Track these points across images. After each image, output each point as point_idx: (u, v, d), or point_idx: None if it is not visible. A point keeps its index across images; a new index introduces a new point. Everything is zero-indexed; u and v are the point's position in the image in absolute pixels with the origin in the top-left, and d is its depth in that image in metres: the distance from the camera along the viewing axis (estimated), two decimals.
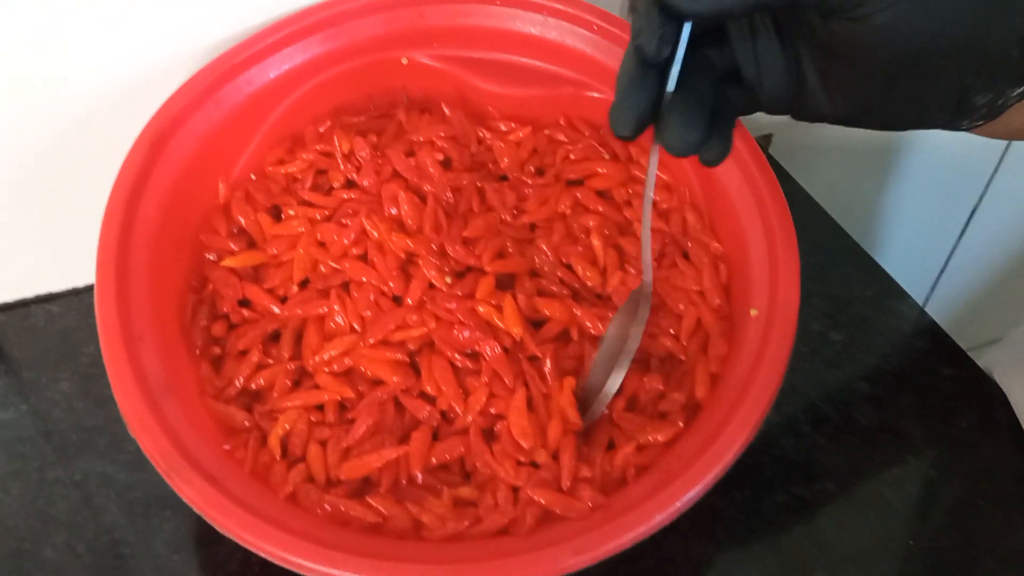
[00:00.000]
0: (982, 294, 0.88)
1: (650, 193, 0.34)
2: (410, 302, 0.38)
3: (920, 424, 0.45)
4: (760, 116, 0.61)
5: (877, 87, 0.29)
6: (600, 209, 0.43)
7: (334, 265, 0.39)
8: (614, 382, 0.35)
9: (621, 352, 0.36)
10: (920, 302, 0.85)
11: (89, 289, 0.48)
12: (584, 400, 0.37)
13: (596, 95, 0.44)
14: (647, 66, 0.29)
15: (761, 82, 0.31)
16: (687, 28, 0.28)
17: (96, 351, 0.45)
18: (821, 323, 0.49)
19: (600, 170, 0.44)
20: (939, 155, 0.73)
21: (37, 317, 0.48)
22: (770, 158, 0.61)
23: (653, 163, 0.33)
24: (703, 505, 0.41)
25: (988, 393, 0.46)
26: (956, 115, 0.31)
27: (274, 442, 0.36)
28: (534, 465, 0.35)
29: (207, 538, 0.39)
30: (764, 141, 0.61)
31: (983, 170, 0.76)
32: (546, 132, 0.45)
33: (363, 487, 0.35)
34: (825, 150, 0.65)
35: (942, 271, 0.86)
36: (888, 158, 0.72)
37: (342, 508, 0.34)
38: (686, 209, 0.42)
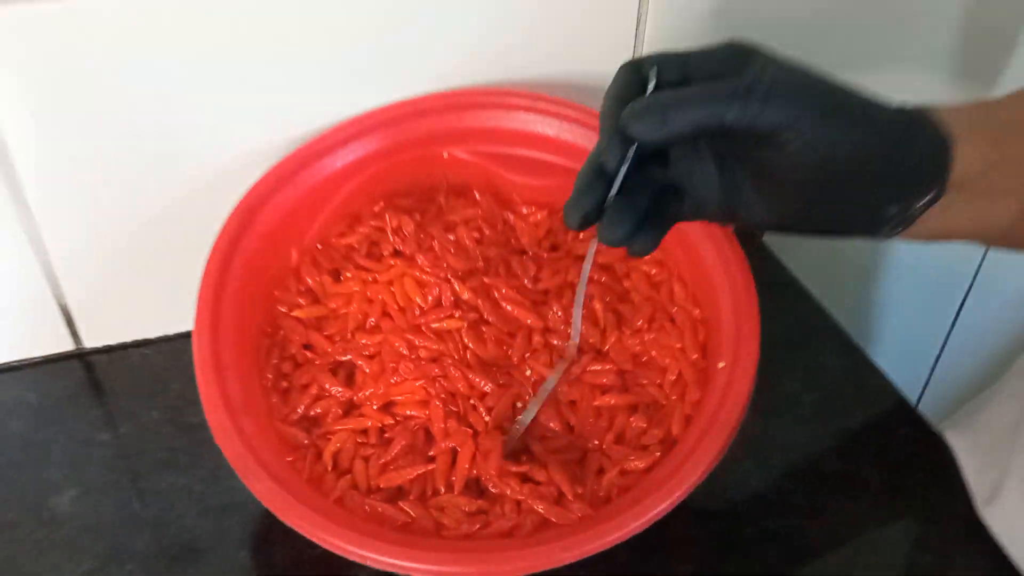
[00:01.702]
0: (976, 388, 0.93)
1: (586, 272, 0.44)
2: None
3: (877, 474, 0.52)
4: None
5: (801, 201, 0.37)
6: (603, 279, 0.52)
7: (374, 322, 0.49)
8: (528, 414, 0.46)
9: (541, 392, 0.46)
10: (914, 397, 0.91)
11: (179, 336, 0.58)
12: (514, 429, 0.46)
13: None
14: (601, 175, 0.37)
15: (701, 196, 0.39)
16: (633, 149, 0.36)
17: (181, 387, 0.55)
18: (796, 386, 0.57)
19: (603, 247, 0.53)
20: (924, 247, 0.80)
21: (134, 358, 0.57)
22: (763, 245, 0.69)
23: (591, 250, 0.42)
24: (684, 534, 0.49)
25: (939, 450, 0.53)
26: (872, 224, 0.38)
27: (327, 457, 0.44)
28: (536, 482, 0.43)
29: (268, 540, 0.47)
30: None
31: (969, 262, 0.83)
32: (560, 216, 0.54)
33: (397, 494, 0.43)
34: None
35: (935, 365, 0.92)
36: (875, 249, 0.80)
37: (379, 510, 0.42)
38: (674, 281, 0.51)
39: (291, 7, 0.49)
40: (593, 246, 0.42)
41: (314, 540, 0.39)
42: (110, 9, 0.45)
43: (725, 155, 0.38)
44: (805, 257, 0.71)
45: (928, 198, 0.37)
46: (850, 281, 0.82)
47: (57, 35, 0.46)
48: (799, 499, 0.50)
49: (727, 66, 0.36)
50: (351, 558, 0.39)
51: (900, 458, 0.53)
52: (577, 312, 0.47)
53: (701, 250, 0.50)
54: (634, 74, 0.37)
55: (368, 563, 0.39)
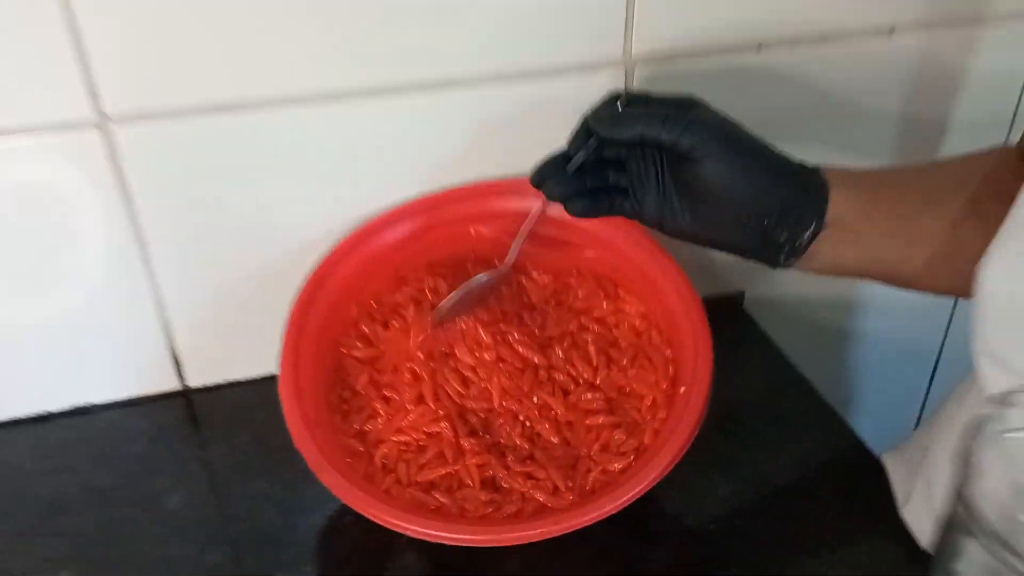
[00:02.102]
0: None
1: (530, 219, 0.61)
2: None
3: (825, 486, 0.63)
4: (734, 275, 0.82)
5: (713, 218, 0.52)
6: (596, 329, 0.65)
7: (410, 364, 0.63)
8: (447, 301, 0.62)
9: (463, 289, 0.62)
10: None
11: (263, 378, 0.72)
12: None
13: (593, 255, 0.67)
14: (565, 157, 0.55)
15: (641, 200, 0.54)
16: (593, 141, 0.54)
17: (265, 417, 0.69)
18: (762, 422, 0.69)
19: (598, 304, 0.66)
20: (894, 316, 0.91)
21: (227, 396, 0.72)
22: (744, 310, 0.82)
23: (537, 205, 0.59)
24: (660, 528, 0.61)
25: (877, 470, 0.64)
26: (769, 247, 0.52)
27: (377, 460, 0.58)
28: (537, 479, 0.56)
29: (332, 531, 0.60)
30: (738, 296, 0.83)
31: (938, 321, 0.94)
32: (563, 279, 0.68)
33: (429, 487, 0.56)
34: (788, 306, 0.86)
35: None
36: (846, 317, 0.91)
37: (417, 498, 0.55)
38: (652, 329, 0.64)
39: (354, 132, 0.64)
40: (538, 201, 0.59)
41: (369, 517, 0.53)
42: (228, 129, 0.62)
43: (664, 172, 0.54)
44: (776, 315, 0.83)
45: (811, 230, 0.51)
46: (827, 354, 0.93)
47: (190, 145, 0.62)
48: (759, 504, 0.62)
49: (678, 107, 0.52)
50: (397, 530, 0.52)
51: (845, 475, 0.64)
52: (516, 243, 0.63)
53: (672, 305, 0.63)
54: (612, 99, 0.55)
55: (409, 533, 0.52)
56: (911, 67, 0.74)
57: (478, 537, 0.51)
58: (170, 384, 0.72)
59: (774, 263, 0.54)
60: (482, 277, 0.63)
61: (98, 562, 0.59)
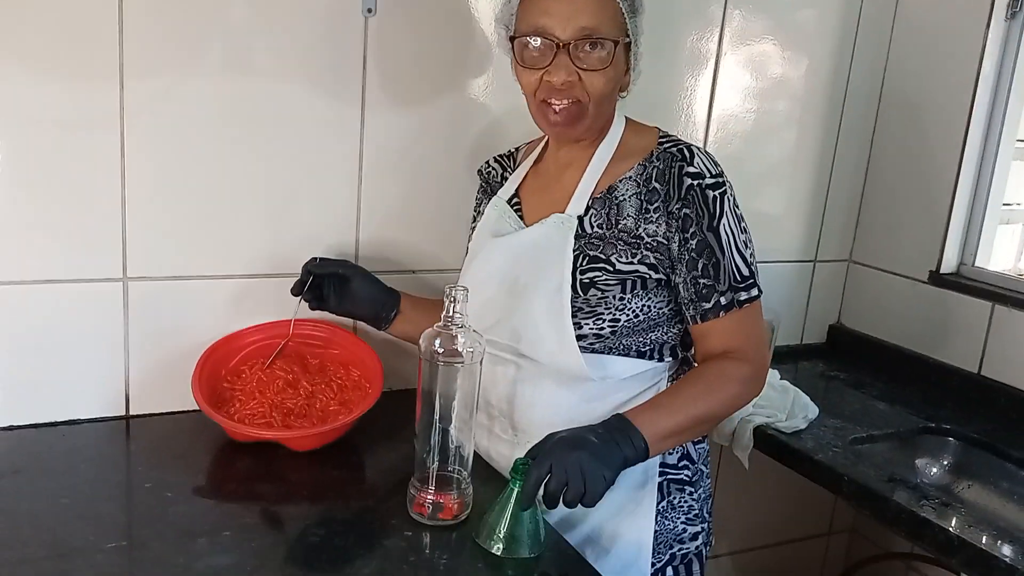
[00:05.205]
0: None
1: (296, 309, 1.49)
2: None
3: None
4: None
5: (355, 303, 1.44)
6: (338, 373, 1.47)
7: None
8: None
9: None
10: None
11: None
12: None
13: (338, 350, 1.52)
14: (301, 282, 1.44)
15: (329, 300, 1.44)
16: (308, 275, 1.43)
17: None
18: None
19: (336, 368, 1.49)
20: None
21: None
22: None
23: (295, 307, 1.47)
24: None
25: None
26: (378, 320, 1.44)
27: (236, 417, 1.35)
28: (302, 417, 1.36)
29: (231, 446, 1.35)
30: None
31: None
32: (326, 355, 1.50)
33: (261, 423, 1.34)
34: None
35: None
36: None
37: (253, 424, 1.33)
38: (360, 375, 1.48)
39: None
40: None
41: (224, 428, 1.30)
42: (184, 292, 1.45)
43: (339, 286, 1.42)
44: None
45: (394, 312, 1.43)
46: None
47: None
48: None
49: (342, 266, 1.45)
50: (241, 431, 1.29)
51: None
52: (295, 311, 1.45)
53: (370, 365, 1.46)
54: (311, 260, 1.45)
55: (251, 435, 1.29)
56: None
57: (281, 434, 1.30)
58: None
59: (380, 328, 1.42)
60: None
61: None
